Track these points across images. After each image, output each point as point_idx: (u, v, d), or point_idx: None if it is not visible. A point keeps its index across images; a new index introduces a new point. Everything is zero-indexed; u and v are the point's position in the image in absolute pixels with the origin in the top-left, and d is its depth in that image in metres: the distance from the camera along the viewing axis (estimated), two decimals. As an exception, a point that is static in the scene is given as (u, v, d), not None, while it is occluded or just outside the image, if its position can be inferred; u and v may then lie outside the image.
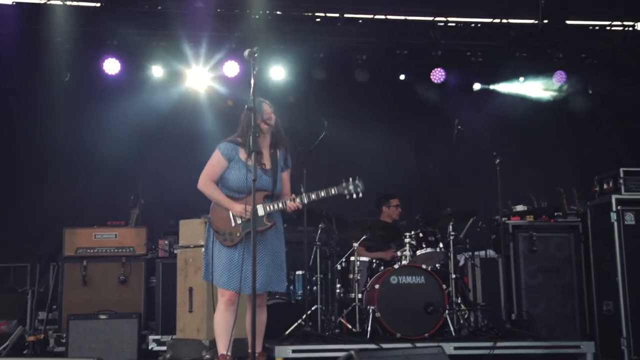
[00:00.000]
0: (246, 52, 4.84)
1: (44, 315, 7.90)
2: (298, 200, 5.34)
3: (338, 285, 7.61)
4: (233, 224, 5.31)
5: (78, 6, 9.26)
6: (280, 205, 5.33)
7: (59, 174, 9.52)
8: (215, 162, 5.43)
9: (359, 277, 7.38)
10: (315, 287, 7.62)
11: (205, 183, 5.42)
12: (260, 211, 5.28)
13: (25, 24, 9.08)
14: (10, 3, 9.12)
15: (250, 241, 4.99)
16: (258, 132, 5.15)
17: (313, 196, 5.34)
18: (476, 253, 8.19)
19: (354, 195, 5.36)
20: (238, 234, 5.28)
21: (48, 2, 9.16)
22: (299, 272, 8.07)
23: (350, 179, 5.39)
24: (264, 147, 5.43)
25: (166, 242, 8.11)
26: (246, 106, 4.99)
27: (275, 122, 5.42)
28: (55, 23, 9.13)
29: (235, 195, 5.35)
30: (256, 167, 5.10)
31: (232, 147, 5.41)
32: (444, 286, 7.02)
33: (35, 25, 9.13)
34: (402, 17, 9.98)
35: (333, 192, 5.38)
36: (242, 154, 5.36)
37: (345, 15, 9.86)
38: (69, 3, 9.19)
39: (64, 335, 7.33)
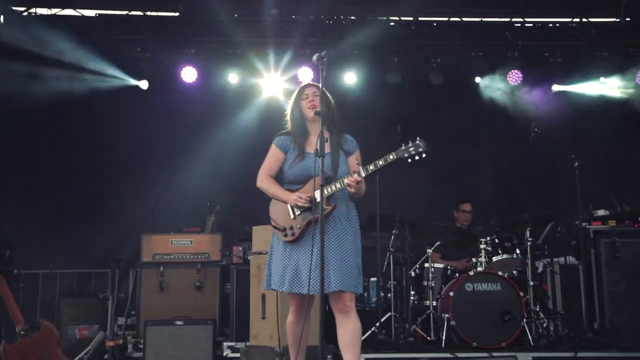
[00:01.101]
0: (315, 57, 4.69)
1: (123, 320, 8.07)
2: (355, 174, 4.82)
3: (412, 293, 7.53)
4: (292, 216, 4.92)
5: (157, 16, 9.57)
6: (338, 185, 4.82)
7: (138, 181, 9.70)
8: (272, 155, 5.13)
9: (433, 284, 7.29)
10: (389, 294, 7.56)
11: (261, 178, 5.10)
12: (317, 196, 4.72)
13: (107, 34, 9.39)
14: (93, 15, 9.47)
15: (314, 234, 4.69)
16: (305, 119, 5.04)
17: (371, 167, 4.81)
18: (555, 259, 7.91)
19: (416, 157, 4.81)
20: (298, 226, 4.87)
21: (129, 13, 9.48)
22: (373, 279, 8.01)
23: (410, 141, 4.87)
24: (314, 133, 5.00)
25: (240, 248, 8.15)
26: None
27: (323, 107, 4.81)
28: (135, 33, 9.46)
29: (294, 187, 5.01)
30: (306, 153, 4.93)
31: (285, 138, 5.13)
32: (522, 294, 6.85)
33: (117, 36, 9.46)
34: (478, 19, 9.84)
35: (392, 157, 4.83)
36: (295, 144, 5.08)
37: (420, 19, 9.78)
38: (149, 14, 9.49)
39: (142, 340, 7.47)
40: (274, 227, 4.98)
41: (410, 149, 4.80)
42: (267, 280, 5.07)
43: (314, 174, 4.82)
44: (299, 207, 4.89)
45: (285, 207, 4.95)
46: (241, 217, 9.43)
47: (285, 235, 4.90)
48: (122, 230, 9.49)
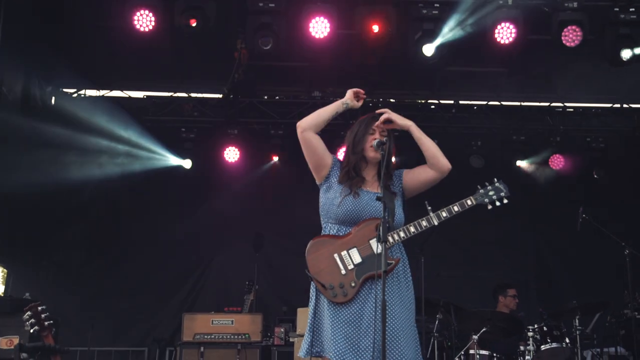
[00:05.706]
0: (375, 143, 4.25)
1: (162, 401, 7.97)
2: (424, 222, 4.20)
3: (457, 380, 7.32)
4: (343, 271, 4.07)
5: (202, 98, 9.77)
6: (402, 234, 4.14)
7: (179, 260, 9.74)
8: (323, 149, 4.47)
9: (479, 371, 7.08)
10: (433, 381, 7.36)
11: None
12: (376, 247, 4.04)
13: (154, 115, 9.61)
14: (141, 96, 9.72)
15: (371, 292, 4.01)
16: (363, 155, 4.32)
17: (444, 214, 4.21)
18: (605, 349, 7.71)
19: (497, 203, 4.33)
20: (352, 284, 4.03)
21: (174, 95, 9.70)
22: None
23: (487, 183, 4.37)
24: (366, 174, 4.35)
25: (282, 329, 8.08)
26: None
27: (388, 150, 4.19)
28: (180, 114, 9.66)
29: (344, 228, 4.20)
30: (360, 190, 4.23)
31: (340, 163, 4.40)
32: (572, 384, 6.64)
33: (167, 117, 9.72)
34: (518, 103, 9.91)
35: (470, 203, 4.28)
36: (340, 178, 4.34)
37: (460, 102, 9.88)
38: (193, 95, 9.70)
39: (180, 422, 7.35)
40: (320, 284, 4.08)
41: (491, 193, 4.35)
42: (312, 346, 4.11)
43: (368, 214, 4.16)
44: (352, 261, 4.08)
45: (333, 260, 4.09)
46: (279, 298, 9.42)
47: (335, 296, 4.04)
48: (161, 308, 9.49)
